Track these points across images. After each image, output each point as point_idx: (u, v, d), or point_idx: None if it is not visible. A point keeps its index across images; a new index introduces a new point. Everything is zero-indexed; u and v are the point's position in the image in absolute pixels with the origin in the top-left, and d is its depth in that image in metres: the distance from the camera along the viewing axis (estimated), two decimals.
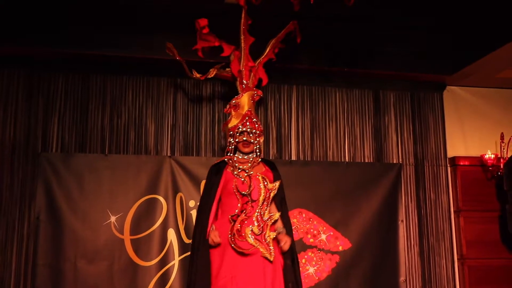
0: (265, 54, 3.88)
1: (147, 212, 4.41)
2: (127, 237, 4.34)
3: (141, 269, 4.33)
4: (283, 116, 4.86)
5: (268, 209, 3.45)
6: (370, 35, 4.63)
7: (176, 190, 4.49)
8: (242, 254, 3.35)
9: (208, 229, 3.43)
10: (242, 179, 3.44)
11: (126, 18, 4.31)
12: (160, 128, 4.62)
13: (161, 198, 4.46)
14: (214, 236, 3.40)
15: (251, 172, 3.47)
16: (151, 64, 4.58)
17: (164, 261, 4.37)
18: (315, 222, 4.64)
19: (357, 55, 4.72)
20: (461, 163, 5.02)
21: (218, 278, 3.34)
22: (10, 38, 4.20)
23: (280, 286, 3.41)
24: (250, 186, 3.43)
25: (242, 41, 3.75)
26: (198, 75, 3.92)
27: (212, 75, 3.88)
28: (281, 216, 3.53)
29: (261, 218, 3.42)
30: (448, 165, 5.07)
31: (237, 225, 3.37)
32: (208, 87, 4.76)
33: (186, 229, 4.44)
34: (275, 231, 3.45)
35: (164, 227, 4.42)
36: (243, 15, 3.73)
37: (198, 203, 4.32)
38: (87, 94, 4.57)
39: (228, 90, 4.71)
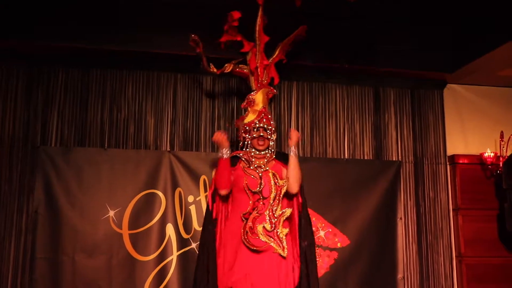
0: (275, 54, 3.94)
1: (146, 207, 4.41)
2: (125, 232, 4.35)
3: (139, 263, 4.33)
4: (283, 112, 4.85)
5: (280, 205, 3.47)
6: (371, 32, 4.62)
7: (175, 185, 4.49)
8: (255, 251, 3.37)
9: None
10: (252, 176, 3.46)
11: (126, 12, 4.30)
12: (159, 123, 4.62)
13: (160, 193, 4.46)
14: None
15: (267, 168, 3.50)
16: (151, 58, 4.57)
17: (162, 256, 4.38)
18: (314, 219, 4.54)
19: (358, 52, 4.71)
20: (461, 161, 5.02)
21: (231, 274, 3.37)
22: (9, 32, 4.20)
23: (294, 283, 3.43)
24: (261, 183, 3.45)
25: (258, 39, 3.78)
26: (214, 70, 3.90)
27: (229, 70, 3.88)
28: (302, 209, 3.55)
29: (273, 214, 3.44)
30: (448, 163, 5.07)
31: (249, 223, 3.39)
32: (208, 82, 4.76)
33: (184, 224, 4.45)
34: (287, 227, 3.47)
35: (163, 222, 4.42)
36: (259, 14, 3.74)
37: (196, 199, 4.50)
38: (87, 88, 4.56)
39: (229, 86, 4.76)
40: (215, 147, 4.60)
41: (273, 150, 3.61)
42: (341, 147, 4.89)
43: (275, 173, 3.52)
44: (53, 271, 4.21)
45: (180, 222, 4.43)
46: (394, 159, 4.96)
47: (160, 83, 4.68)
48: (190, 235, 4.44)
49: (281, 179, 3.53)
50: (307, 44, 4.29)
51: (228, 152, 3.49)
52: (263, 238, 3.38)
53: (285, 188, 3.51)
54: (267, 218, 3.43)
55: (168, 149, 4.58)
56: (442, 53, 4.78)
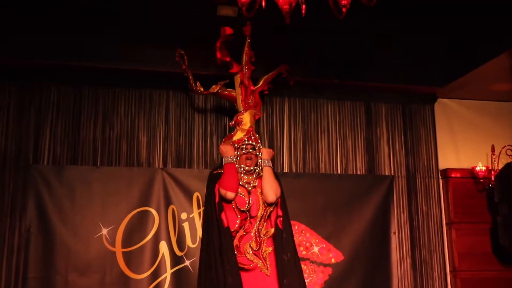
0: (259, 85, 3.99)
1: (139, 225, 4.40)
2: (118, 250, 4.32)
3: (133, 282, 4.30)
4: (275, 128, 4.86)
5: (265, 224, 3.47)
6: (361, 46, 4.64)
7: (168, 202, 4.48)
8: (243, 269, 3.36)
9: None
10: (241, 195, 3.46)
11: (118, 29, 4.31)
12: (152, 140, 4.61)
13: (153, 211, 4.44)
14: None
15: (255, 184, 3.51)
16: (143, 76, 4.59)
17: (156, 274, 4.35)
18: (307, 234, 4.63)
19: (348, 67, 4.73)
20: (453, 175, 5.04)
21: None
22: (0, 48, 4.21)
23: None
24: (249, 202, 3.45)
25: (244, 66, 3.83)
26: (201, 89, 3.97)
27: (215, 91, 3.94)
28: (282, 222, 3.52)
29: (259, 234, 3.44)
30: (440, 177, 5.08)
31: (236, 241, 3.39)
32: (200, 99, 4.77)
33: (178, 241, 4.43)
34: (271, 246, 3.47)
35: (156, 239, 4.40)
36: (246, 43, 3.79)
37: (190, 216, 4.49)
38: (79, 106, 4.55)
39: (221, 103, 4.76)
40: (208, 164, 4.66)
41: (260, 167, 3.60)
42: (334, 162, 4.89)
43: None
44: None
45: (173, 240, 4.41)
46: (386, 174, 4.97)
47: (152, 100, 4.68)
48: (184, 252, 4.41)
49: None
50: (298, 59, 4.38)
51: (234, 158, 3.52)
52: (249, 257, 3.39)
53: (271, 207, 3.51)
54: (253, 237, 3.43)
55: (161, 166, 4.57)
56: (433, 67, 4.82)
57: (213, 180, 3.57)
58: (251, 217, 3.45)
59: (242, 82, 3.80)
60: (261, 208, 3.47)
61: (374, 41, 4.62)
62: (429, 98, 5.18)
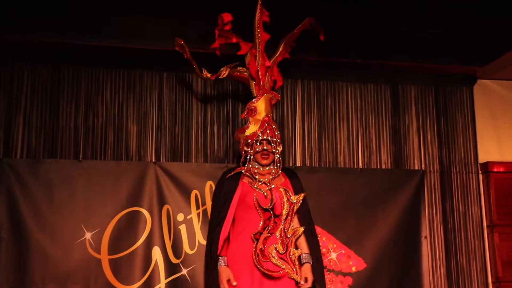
0: (278, 52, 3.85)
1: (128, 228, 4.21)
2: (104, 257, 4.13)
3: None
4: (286, 115, 4.66)
5: (291, 224, 3.44)
6: (386, 20, 4.46)
7: (162, 201, 4.29)
8: (269, 277, 3.30)
9: (219, 249, 3.39)
10: (265, 194, 3.41)
11: (103, 0, 4.15)
12: (143, 130, 4.44)
13: (144, 211, 4.25)
14: (226, 277, 3.34)
15: (273, 186, 3.46)
16: (132, 55, 4.39)
17: (148, 285, 4.16)
18: (324, 239, 4.42)
19: (372, 44, 4.51)
20: (495, 170, 4.78)
21: None
22: None
23: None
24: (272, 200, 3.39)
25: (257, 38, 3.70)
26: (208, 75, 3.84)
27: (225, 75, 3.80)
28: (305, 234, 3.47)
29: (285, 235, 3.38)
30: (480, 172, 4.84)
31: (260, 244, 3.33)
32: (199, 81, 4.55)
33: (174, 247, 4.23)
34: (297, 248, 3.45)
35: (148, 244, 4.21)
36: (258, 7, 3.68)
37: (187, 217, 4.30)
38: (58, 89, 4.37)
39: (223, 85, 4.59)
40: (208, 157, 4.49)
41: (279, 164, 3.51)
42: (354, 155, 4.70)
43: (287, 189, 3.45)
44: None
45: (168, 245, 4.22)
46: (416, 168, 4.74)
47: (143, 83, 4.50)
48: (180, 259, 4.20)
49: (293, 195, 3.47)
50: (313, 35, 4.07)
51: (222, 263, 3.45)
52: (275, 261, 3.31)
53: (298, 205, 3.44)
54: (279, 238, 3.36)
55: (153, 160, 4.39)
56: (472, 43, 4.57)
57: (223, 180, 3.55)
58: (275, 216, 3.39)
59: (255, 56, 3.67)
60: (285, 205, 3.40)
61: (402, 12, 4.44)
62: (467, 79, 4.94)
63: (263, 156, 3.48)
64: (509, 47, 4.40)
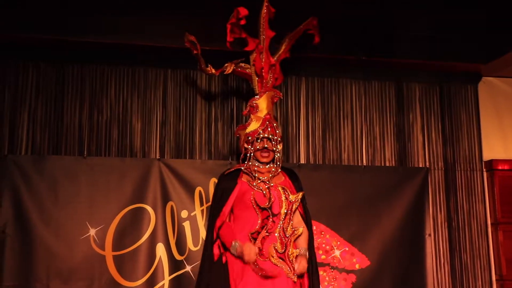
0: (281, 50, 3.79)
1: (133, 224, 4.22)
2: (109, 253, 4.15)
3: None
4: (290, 112, 4.66)
5: (290, 223, 3.37)
6: (391, 17, 4.48)
7: (166, 198, 4.31)
8: (265, 277, 3.23)
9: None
10: (263, 192, 3.36)
11: None
12: (147, 126, 4.45)
13: (148, 208, 4.27)
14: (250, 251, 3.21)
15: (272, 184, 3.42)
16: (137, 51, 4.40)
17: (152, 281, 4.18)
18: (327, 236, 4.44)
19: (376, 41, 4.53)
20: (500, 167, 4.79)
21: None
22: None
23: None
24: (270, 199, 3.35)
25: (262, 34, 3.64)
26: (213, 71, 3.79)
27: (229, 71, 3.75)
28: (306, 235, 3.45)
29: (284, 234, 3.32)
30: (484, 169, 4.86)
31: (258, 244, 3.28)
32: (204, 78, 4.56)
33: (177, 243, 4.25)
34: (297, 248, 3.40)
35: (152, 241, 4.23)
36: (264, 4, 3.62)
37: (191, 214, 4.30)
38: (62, 86, 4.38)
39: (227, 82, 4.59)
40: (212, 154, 4.49)
41: (279, 163, 3.47)
42: (358, 152, 4.70)
43: (286, 188, 3.41)
44: None
45: (172, 242, 4.24)
46: (420, 166, 4.75)
47: (147, 80, 4.50)
48: (184, 256, 4.23)
49: (292, 194, 3.43)
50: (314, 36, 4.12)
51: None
52: (274, 261, 3.25)
53: (297, 204, 3.40)
54: (278, 238, 3.31)
55: (157, 156, 4.41)
56: (476, 41, 4.58)
57: (222, 180, 3.49)
58: (273, 215, 3.33)
59: (261, 53, 3.61)
60: (284, 204, 3.35)
61: (406, 10, 4.43)
62: (472, 76, 4.94)
63: (263, 154, 3.45)
64: None
